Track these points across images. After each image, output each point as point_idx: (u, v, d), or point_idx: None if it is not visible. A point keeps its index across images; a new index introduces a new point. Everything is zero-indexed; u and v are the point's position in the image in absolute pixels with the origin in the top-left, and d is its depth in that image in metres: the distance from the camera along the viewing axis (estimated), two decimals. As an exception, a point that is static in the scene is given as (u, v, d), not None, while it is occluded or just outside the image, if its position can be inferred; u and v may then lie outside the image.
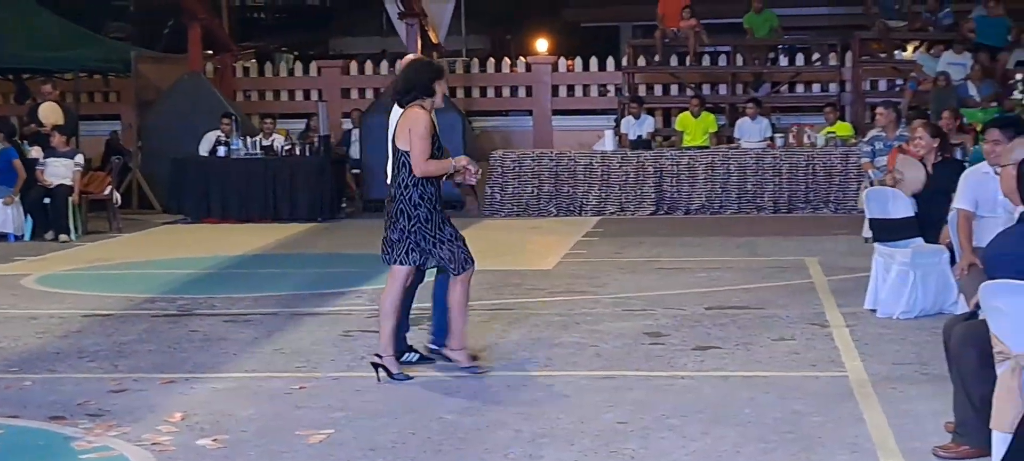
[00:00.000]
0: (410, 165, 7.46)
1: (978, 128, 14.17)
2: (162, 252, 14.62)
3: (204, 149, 18.05)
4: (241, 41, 24.90)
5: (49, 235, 15.49)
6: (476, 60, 22.80)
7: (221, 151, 17.83)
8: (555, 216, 17.61)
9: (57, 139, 16.14)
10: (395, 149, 7.60)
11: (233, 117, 18.42)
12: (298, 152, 17.98)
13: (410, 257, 7.58)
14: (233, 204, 17.58)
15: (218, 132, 18.01)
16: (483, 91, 22.36)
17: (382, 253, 7.73)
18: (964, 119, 14.93)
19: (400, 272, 7.68)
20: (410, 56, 9.26)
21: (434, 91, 7.64)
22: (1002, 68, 18.35)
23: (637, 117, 18.91)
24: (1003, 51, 18.76)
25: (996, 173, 7.37)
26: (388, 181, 7.81)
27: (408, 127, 7.47)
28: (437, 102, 7.71)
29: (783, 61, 21.55)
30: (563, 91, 22.08)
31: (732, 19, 22.20)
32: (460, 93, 21.98)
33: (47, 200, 15.68)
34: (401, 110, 7.63)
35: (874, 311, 9.40)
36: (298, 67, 23.26)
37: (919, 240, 9.39)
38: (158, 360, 8.33)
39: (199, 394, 7.34)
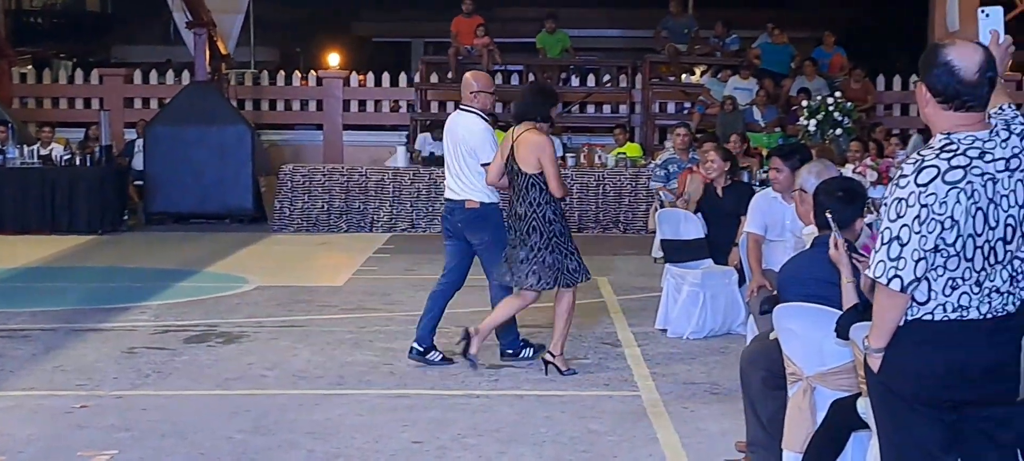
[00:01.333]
0: (542, 185, 7.97)
1: (763, 152, 14.57)
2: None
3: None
4: (17, 46, 23.95)
5: None
6: (266, 72, 22.43)
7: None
8: (346, 232, 17.41)
9: None
10: (518, 170, 8.00)
11: (9, 124, 17.70)
12: (78, 162, 17.36)
13: (531, 279, 8.09)
14: (9, 215, 16.85)
15: (-9, 140, 17.26)
16: (273, 104, 22.01)
17: (507, 272, 8.22)
18: (750, 143, 15.33)
19: (528, 296, 8.27)
20: (484, 76, 8.87)
21: (551, 117, 8.26)
22: (785, 94, 18.96)
23: (432, 134, 18.86)
24: (786, 78, 19.39)
25: (784, 200, 7.60)
26: (452, 194, 8.57)
27: (536, 153, 7.93)
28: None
29: (574, 82, 21.80)
30: (354, 106, 21.89)
31: (525, 39, 22.35)
32: (249, 106, 21.60)
33: None
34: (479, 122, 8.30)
35: (665, 331, 9.54)
36: (79, 74, 22.50)
37: (709, 261, 9.58)
38: (-72, 379, 7.92)
39: (-26, 413, 7.01)
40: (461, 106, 8.70)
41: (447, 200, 8.79)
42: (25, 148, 17.34)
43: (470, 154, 8.40)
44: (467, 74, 8.87)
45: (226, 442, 6.43)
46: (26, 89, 22.13)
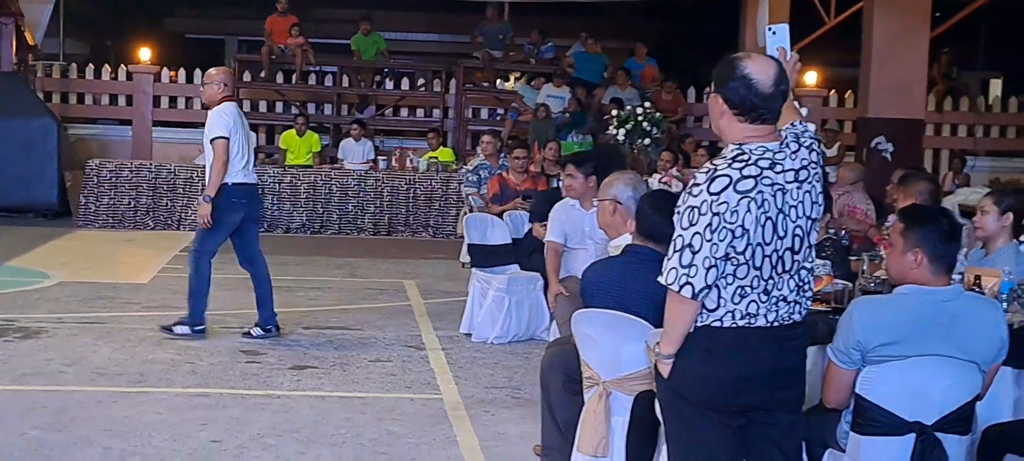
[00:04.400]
0: None
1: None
2: None
3: None
4: None
5: None
6: (75, 65, 21.91)
7: None
8: (152, 229, 17.16)
9: None
10: None
11: None
12: None
13: None
14: None
15: None
16: (81, 98, 21.52)
17: None
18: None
19: None
20: (213, 70, 9.14)
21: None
22: (598, 103, 19.31)
23: (241, 132, 18.67)
24: (599, 87, 19.74)
25: (582, 207, 7.79)
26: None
27: None
28: None
29: (389, 84, 21.86)
30: (165, 102, 21.55)
31: (340, 40, 22.30)
32: (56, 98, 21.07)
33: None
34: None
35: (469, 335, 9.66)
36: None
37: (515, 266, 9.75)
38: None
39: None
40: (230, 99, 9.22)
41: (252, 185, 9.29)
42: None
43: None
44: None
45: (20, 438, 6.33)
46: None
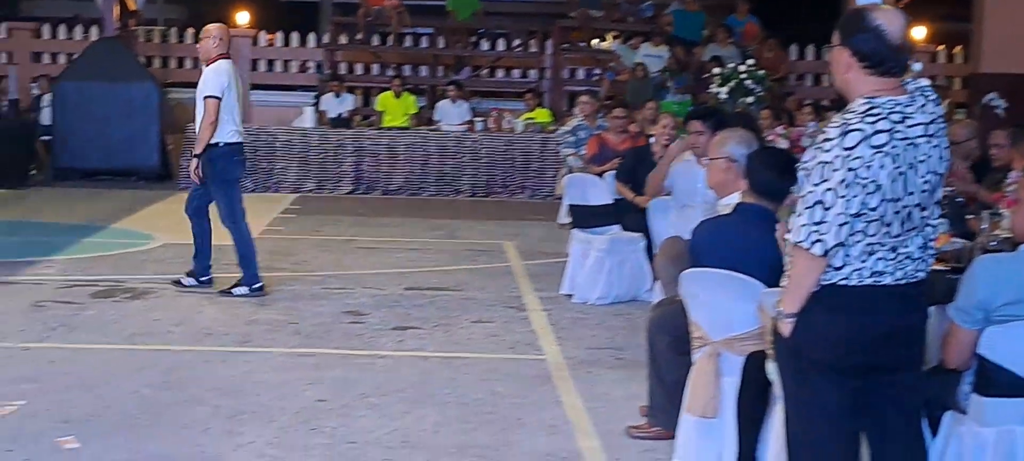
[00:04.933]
0: None
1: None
2: None
3: None
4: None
5: None
6: (174, 30, 22.14)
7: None
8: (252, 191, 17.26)
9: None
10: None
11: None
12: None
13: None
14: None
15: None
16: (181, 62, 21.76)
17: None
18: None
19: None
20: (211, 26, 9.26)
21: None
22: (697, 62, 19.05)
23: (338, 95, 18.78)
24: (698, 45, 19.46)
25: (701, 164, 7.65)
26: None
27: None
28: None
29: (485, 45, 21.80)
30: (262, 65, 21.71)
31: (435, 1, 22.28)
32: (157, 63, 21.32)
33: None
34: None
35: (570, 296, 9.61)
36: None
37: (617, 227, 9.67)
38: None
39: None
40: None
41: (242, 144, 9.42)
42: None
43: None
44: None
45: (133, 396, 6.41)
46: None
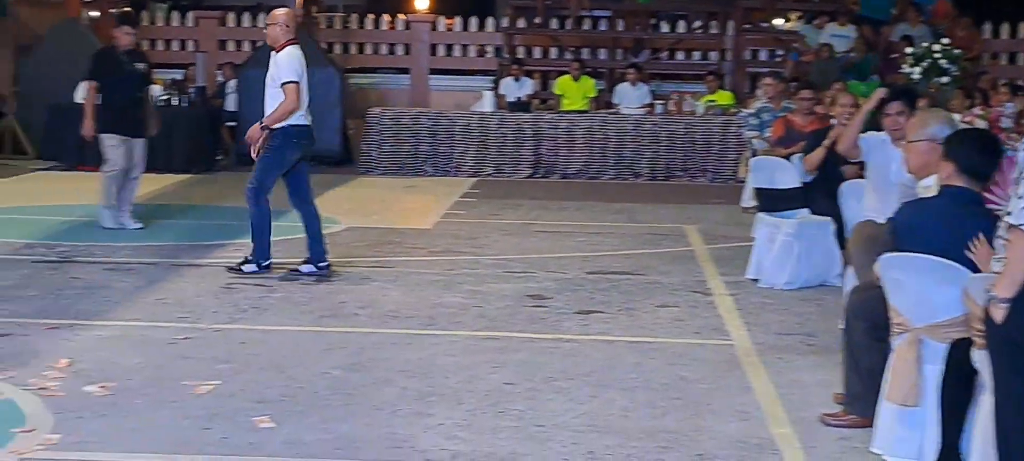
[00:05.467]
0: None
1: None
2: (38, 198, 14.24)
3: (80, 96, 17.50)
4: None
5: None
6: (355, 16, 22.46)
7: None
8: (431, 175, 17.46)
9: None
10: None
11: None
12: (174, 103, 17.59)
13: None
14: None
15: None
16: (361, 48, 22.06)
17: None
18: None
19: None
20: (278, 11, 9.32)
21: None
22: (885, 41, 18.53)
23: (517, 79, 18.82)
24: (886, 24, 18.91)
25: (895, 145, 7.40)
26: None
27: None
28: None
29: (664, 27, 21.59)
30: (441, 50, 21.88)
31: (615, -16, 22.17)
32: (338, 49, 21.66)
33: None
34: None
35: (756, 281, 9.43)
36: (175, 16, 22.70)
37: (805, 211, 9.45)
38: (41, 306, 8.11)
39: (84, 341, 7.16)
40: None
41: (309, 127, 9.43)
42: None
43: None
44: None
45: (322, 377, 6.48)
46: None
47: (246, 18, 22.23)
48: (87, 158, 16.95)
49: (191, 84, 18.56)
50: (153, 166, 16.70)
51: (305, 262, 9.44)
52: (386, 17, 22.11)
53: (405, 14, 22.88)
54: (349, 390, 6.27)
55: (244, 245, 10.75)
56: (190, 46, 21.77)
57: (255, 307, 8.27)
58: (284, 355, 6.94)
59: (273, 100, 9.20)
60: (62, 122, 17.25)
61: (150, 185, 15.43)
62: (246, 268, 9.36)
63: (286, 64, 9.12)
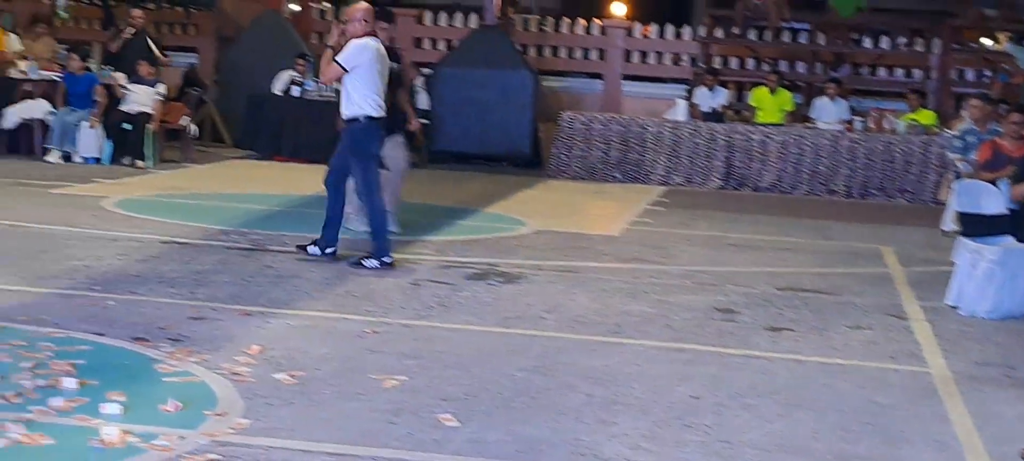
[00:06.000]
0: None
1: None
2: (233, 186, 14.62)
3: (278, 88, 18.05)
4: (318, -17, 24.73)
5: (126, 160, 15.57)
6: (550, 19, 22.50)
7: (295, 91, 17.84)
8: (620, 182, 17.40)
9: (144, 68, 16.06)
10: None
11: (308, 58, 18.36)
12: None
13: None
14: (303, 144, 17.52)
15: (293, 72, 18.03)
16: (555, 51, 22.09)
17: None
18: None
19: None
20: (356, 7, 9.58)
21: None
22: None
23: (711, 89, 18.61)
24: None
25: None
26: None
27: None
28: None
29: (867, 43, 21.12)
30: (635, 56, 21.76)
31: (818, -5, 21.80)
32: (532, 52, 21.72)
33: (127, 126, 15.67)
34: None
35: (956, 308, 9.09)
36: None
37: (1010, 239, 9.08)
38: (234, 291, 8.28)
39: (275, 328, 7.27)
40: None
41: (382, 118, 9.56)
42: (321, 82, 17.91)
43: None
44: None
45: (508, 379, 6.45)
46: (324, 25, 22.79)
47: (442, 17, 22.45)
48: (282, 148, 17.41)
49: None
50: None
51: (313, 243, 9.69)
52: (581, 21, 22.09)
53: (601, 19, 22.80)
54: (533, 393, 6.22)
55: (429, 242, 10.89)
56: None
57: (442, 305, 8.31)
58: (469, 354, 6.94)
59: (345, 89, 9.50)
60: (259, 112, 17.71)
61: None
62: (368, 263, 9.46)
63: (347, 50, 9.38)
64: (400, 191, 11.36)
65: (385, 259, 9.47)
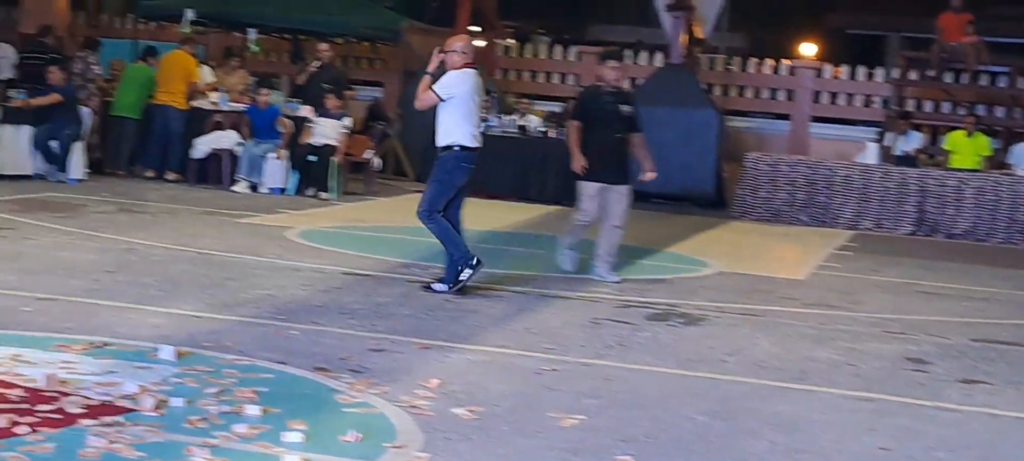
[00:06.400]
0: None
1: None
2: (415, 219, 14.65)
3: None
4: (503, 20, 24.92)
5: (310, 191, 15.85)
6: (737, 59, 22.25)
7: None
8: (806, 225, 17.07)
9: (331, 101, 16.38)
10: None
11: (492, 94, 18.48)
12: (551, 135, 17.91)
13: None
14: (484, 180, 17.58)
15: (475, 107, 18.13)
16: (741, 90, 21.83)
17: None
18: None
19: None
20: (461, 36, 9.88)
21: None
22: None
23: (904, 132, 18.14)
24: None
25: None
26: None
27: None
28: None
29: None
30: (824, 97, 21.36)
31: (1017, 39, 21.09)
32: (717, 91, 21.50)
33: (312, 158, 15.98)
34: None
35: None
36: (557, 50, 23.16)
37: None
38: (414, 324, 8.32)
39: (454, 363, 7.27)
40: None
41: (478, 150, 9.64)
42: (504, 118, 18.07)
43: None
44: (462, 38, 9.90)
45: (688, 422, 6.32)
46: (508, 62, 23.01)
47: (627, 54, 22.40)
48: (481, 188, 17.52)
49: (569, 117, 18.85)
50: (526, 196, 17.20)
51: (438, 280, 9.66)
52: (769, 61, 21.80)
53: (789, 59, 22.48)
54: (713, 438, 6.08)
55: (609, 281, 10.78)
56: (570, 80, 22.12)
57: (622, 344, 8.20)
58: (649, 395, 6.82)
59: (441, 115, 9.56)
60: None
61: (522, 213, 15.81)
62: (437, 287, 9.53)
63: (445, 79, 9.51)
64: (618, 242, 10.98)
65: (438, 287, 9.53)
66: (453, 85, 9.46)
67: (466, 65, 9.54)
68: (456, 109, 9.46)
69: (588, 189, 10.74)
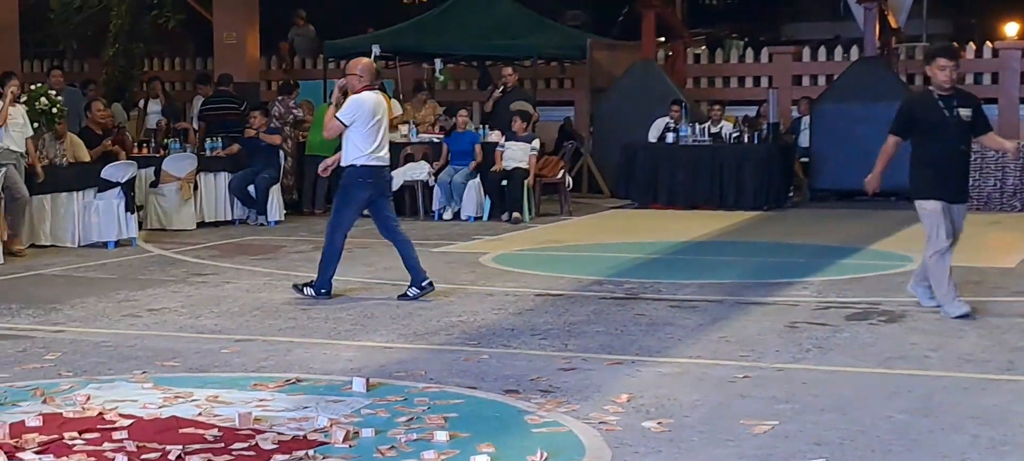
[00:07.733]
0: None
1: None
2: (609, 236, 14.74)
3: (653, 135, 18.17)
4: (692, 27, 24.75)
5: (504, 216, 15.99)
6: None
7: (669, 137, 17.88)
8: (1018, 212, 16.45)
9: (517, 124, 16.51)
10: None
11: (682, 104, 18.39)
12: (746, 140, 17.71)
13: None
14: (679, 190, 17.56)
15: (667, 118, 18.09)
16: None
17: None
18: None
19: None
20: (358, 62, 10.23)
21: None
22: None
23: None
24: None
25: None
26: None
27: None
28: None
29: None
30: (1032, 78, 20.56)
31: None
32: (918, 80, 20.88)
33: (504, 182, 16.12)
34: None
35: None
36: (748, 54, 22.88)
37: None
38: (605, 341, 8.29)
39: (644, 377, 7.21)
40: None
41: (379, 167, 9.98)
42: (697, 126, 17.95)
43: None
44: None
45: (886, 421, 6.13)
46: (699, 69, 22.85)
47: (821, 53, 21.98)
48: (658, 195, 17.48)
49: (764, 121, 18.61)
50: (723, 204, 17.02)
51: (410, 286, 10.00)
52: (971, 45, 21.08)
53: (993, 42, 21.71)
54: (914, 435, 5.88)
55: (809, 283, 10.59)
56: (763, 82, 21.82)
57: (819, 347, 8.03)
58: (846, 397, 6.64)
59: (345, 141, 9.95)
60: (634, 160, 17.84)
61: (719, 221, 15.64)
62: (307, 291, 10.01)
63: (346, 106, 9.86)
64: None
65: (322, 291, 9.95)
66: (354, 109, 9.81)
67: (365, 88, 9.91)
68: (355, 131, 9.81)
69: (928, 207, 9.20)
